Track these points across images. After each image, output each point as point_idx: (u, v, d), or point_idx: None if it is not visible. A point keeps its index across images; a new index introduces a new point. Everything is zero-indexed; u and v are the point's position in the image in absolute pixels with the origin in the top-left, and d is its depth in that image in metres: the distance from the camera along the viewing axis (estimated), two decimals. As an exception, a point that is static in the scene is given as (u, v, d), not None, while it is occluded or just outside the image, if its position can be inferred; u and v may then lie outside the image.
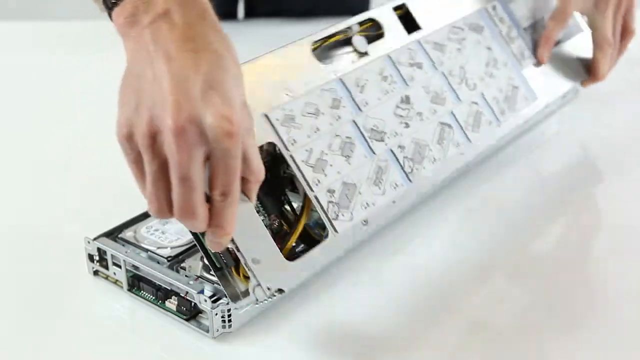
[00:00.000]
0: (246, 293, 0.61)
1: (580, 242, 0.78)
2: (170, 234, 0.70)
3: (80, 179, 0.88)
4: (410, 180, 0.72)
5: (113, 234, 0.71)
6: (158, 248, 0.68)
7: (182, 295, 0.65)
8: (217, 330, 0.64)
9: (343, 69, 0.72)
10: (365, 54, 0.75)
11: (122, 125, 0.55)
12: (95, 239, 0.70)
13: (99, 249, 0.69)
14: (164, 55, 0.53)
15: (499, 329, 0.66)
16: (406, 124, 0.74)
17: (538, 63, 0.89)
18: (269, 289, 0.60)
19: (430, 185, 0.75)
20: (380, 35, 0.77)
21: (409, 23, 0.80)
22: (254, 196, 0.57)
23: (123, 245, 0.69)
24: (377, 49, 0.76)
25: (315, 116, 0.68)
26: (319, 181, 0.66)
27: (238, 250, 0.59)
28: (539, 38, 0.90)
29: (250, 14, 1.29)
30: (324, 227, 0.66)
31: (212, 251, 0.60)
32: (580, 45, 0.95)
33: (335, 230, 0.66)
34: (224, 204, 0.54)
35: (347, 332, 0.65)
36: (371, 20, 0.78)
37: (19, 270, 0.73)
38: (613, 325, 0.66)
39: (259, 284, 0.60)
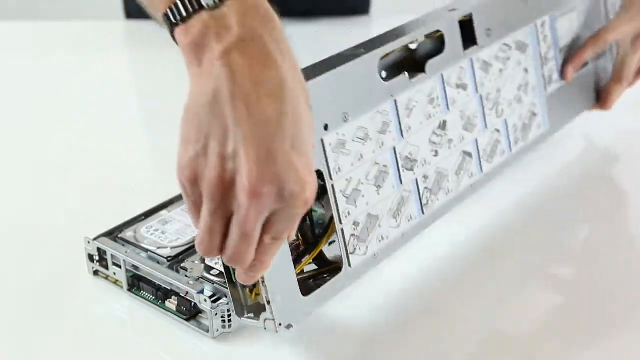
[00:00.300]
0: (251, 308, 0.61)
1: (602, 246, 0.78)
2: (170, 234, 0.70)
3: (80, 179, 0.88)
4: (423, 213, 0.70)
5: (113, 234, 0.71)
6: (158, 248, 0.68)
7: (182, 295, 0.65)
8: (217, 330, 0.64)
9: (399, 88, 0.67)
10: (423, 71, 0.69)
11: (186, 166, 0.50)
12: (95, 239, 0.70)
13: (99, 249, 0.69)
14: (242, 99, 0.48)
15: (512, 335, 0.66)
16: (436, 152, 0.71)
17: (562, 79, 0.86)
18: (280, 324, 0.59)
19: (438, 217, 0.72)
20: (440, 50, 0.71)
21: (468, 37, 0.74)
22: (293, 235, 0.54)
23: (123, 245, 0.69)
24: (434, 66, 0.70)
25: (363, 142, 0.64)
26: (349, 213, 0.63)
27: (263, 284, 0.58)
28: (570, 55, 0.87)
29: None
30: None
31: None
32: (601, 69, 0.92)
33: (349, 265, 0.64)
34: (272, 245, 0.52)
35: (347, 332, 0.65)
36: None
37: (19, 270, 0.73)
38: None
39: (272, 319, 0.59)
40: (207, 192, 0.49)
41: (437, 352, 0.64)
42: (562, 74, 0.86)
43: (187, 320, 0.65)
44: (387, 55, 0.67)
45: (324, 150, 0.61)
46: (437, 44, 0.71)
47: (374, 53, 0.65)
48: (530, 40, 0.81)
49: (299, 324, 0.60)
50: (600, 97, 0.92)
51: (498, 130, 0.77)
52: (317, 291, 0.62)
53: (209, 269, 0.65)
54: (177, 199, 0.75)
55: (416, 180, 0.69)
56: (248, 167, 0.47)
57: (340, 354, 0.63)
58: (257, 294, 0.60)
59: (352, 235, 0.64)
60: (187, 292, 0.64)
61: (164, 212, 0.73)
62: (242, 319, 0.61)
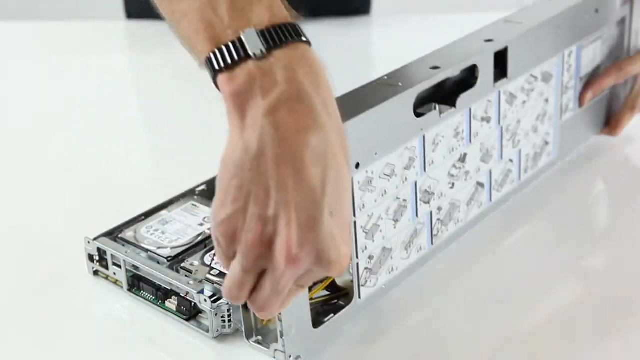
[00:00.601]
0: (260, 331, 0.61)
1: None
2: (170, 234, 0.70)
3: (80, 179, 0.88)
4: (432, 243, 0.69)
5: (113, 234, 0.71)
6: (158, 248, 0.68)
7: (182, 295, 0.65)
8: (217, 330, 0.64)
9: (429, 123, 0.65)
10: (453, 104, 0.67)
11: (223, 222, 0.48)
12: (95, 239, 0.70)
13: (99, 249, 0.69)
14: (288, 164, 0.46)
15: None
16: (453, 184, 0.69)
17: (579, 105, 0.85)
18: (290, 356, 0.59)
19: (445, 247, 0.71)
20: (472, 82, 0.69)
21: (500, 68, 0.72)
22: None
23: (123, 245, 0.69)
24: (465, 100, 0.68)
25: (389, 178, 0.62)
26: (366, 247, 0.62)
27: (279, 317, 0.57)
28: (590, 82, 0.85)
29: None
30: None
31: None
32: (613, 96, 0.91)
33: (359, 297, 0.63)
34: (296, 291, 0.51)
35: (346, 332, 0.65)
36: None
37: (19, 270, 0.73)
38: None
39: (283, 352, 0.58)
40: (244, 251, 0.48)
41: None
42: (580, 99, 0.85)
43: (187, 320, 0.65)
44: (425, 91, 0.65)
45: (352, 188, 0.59)
46: (468, 74, 0.69)
47: (411, 91, 0.62)
48: (555, 71, 0.79)
49: (308, 357, 0.60)
50: (610, 123, 0.91)
51: (511, 160, 0.77)
52: (327, 323, 0.62)
53: (209, 269, 0.65)
54: (177, 199, 0.75)
55: (431, 212, 0.68)
56: (288, 232, 0.46)
57: (339, 354, 0.63)
58: (269, 320, 0.60)
59: (366, 268, 0.63)
60: (187, 292, 0.64)
61: (164, 212, 0.73)
62: (250, 342, 0.61)
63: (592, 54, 0.85)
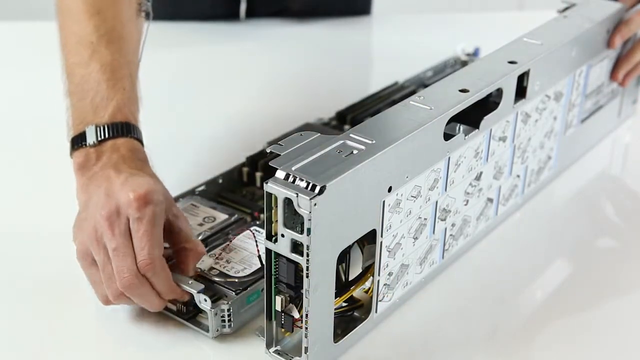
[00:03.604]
0: (279, 342, 0.61)
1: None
2: (171, 234, 0.70)
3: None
4: (443, 257, 0.70)
5: (113, 234, 0.70)
6: (158, 248, 0.68)
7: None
8: (217, 330, 0.64)
9: (455, 145, 0.66)
10: (476, 125, 0.68)
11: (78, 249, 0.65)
12: (95, 239, 0.70)
13: (99, 249, 0.69)
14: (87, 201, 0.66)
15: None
16: (467, 201, 0.70)
17: (621, 85, 0.87)
18: None
19: (454, 261, 0.72)
20: (493, 104, 0.70)
21: (520, 90, 0.72)
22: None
23: (123, 245, 0.69)
24: (487, 121, 0.68)
25: (415, 199, 0.63)
26: (387, 265, 0.63)
27: (306, 331, 0.58)
28: (619, 63, 0.87)
29: (252, 14, 1.29)
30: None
31: (280, 309, 0.59)
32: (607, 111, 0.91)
33: (376, 311, 0.64)
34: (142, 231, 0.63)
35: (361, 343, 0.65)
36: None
37: (19, 270, 0.73)
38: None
39: None
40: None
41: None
42: (620, 81, 0.88)
43: (187, 320, 0.65)
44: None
45: (383, 211, 0.60)
46: (488, 95, 0.69)
47: (443, 117, 0.63)
48: (566, 90, 0.80)
49: None
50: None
51: (518, 176, 0.77)
52: (346, 337, 0.62)
53: (209, 269, 0.66)
54: (177, 199, 0.75)
55: (445, 228, 0.68)
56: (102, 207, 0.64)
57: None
58: (288, 332, 0.61)
59: (385, 284, 0.64)
60: (187, 292, 0.64)
61: (164, 212, 0.73)
62: (270, 352, 0.61)
63: (599, 71, 0.86)
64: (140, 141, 0.70)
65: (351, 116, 0.90)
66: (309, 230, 0.54)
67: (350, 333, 0.62)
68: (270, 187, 0.55)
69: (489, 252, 0.75)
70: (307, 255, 0.55)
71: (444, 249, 0.69)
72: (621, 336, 0.66)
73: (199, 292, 0.63)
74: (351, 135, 0.59)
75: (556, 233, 0.79)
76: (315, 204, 0.53)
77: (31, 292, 0.70)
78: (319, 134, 0.60)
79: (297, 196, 0.54)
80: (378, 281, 0.63)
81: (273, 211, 0.56)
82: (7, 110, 1.05)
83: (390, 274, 0.63)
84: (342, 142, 0.59)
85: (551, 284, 0.72)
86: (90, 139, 0.68)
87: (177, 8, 1.24)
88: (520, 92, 0.72)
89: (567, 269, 0.74)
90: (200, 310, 0.64)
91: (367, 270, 0.62)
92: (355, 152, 0.58)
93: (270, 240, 0.57)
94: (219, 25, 1.25)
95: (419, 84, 0.99)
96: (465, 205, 0.70)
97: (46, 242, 0.76)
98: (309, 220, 0.54)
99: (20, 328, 0.66)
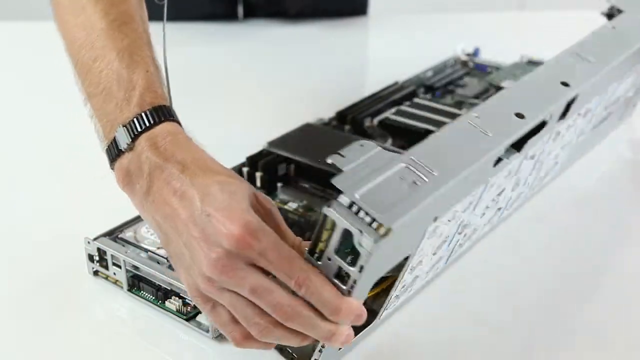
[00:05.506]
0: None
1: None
2: (170, 234, 0.70)
3: (81, 179, 0.88)
4: (446, 262, 0.69)
5: (113, 234, 0.71)
6: (158, 248, 0.68)
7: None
8: (217, 330, 0.64)
9: (497, 170, 0.63)
10: (519, 150, 0.64)
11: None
12: (95, 239, 0.70)
13: (99, 249, 0.69)
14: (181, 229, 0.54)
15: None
16: (484, 214, 0.68)
17: None
18: None
19: (452, 263, 0.71)
20: (541, 127, 0.65)
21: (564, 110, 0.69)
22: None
23: (123, 245, 0.69)
24: (530, 144, 0.64)
25: (449, 222, 0.61)
26: (403, 279, 0.61)
27: (320, 351, 0.57)
28: None
29: (250, 14, 1.30)
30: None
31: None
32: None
33: (380, 317, 0.63)
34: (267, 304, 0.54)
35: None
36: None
37: (19, 270, 0.73)
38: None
39: None
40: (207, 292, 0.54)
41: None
42: None
43: (187, 320, 0.65)
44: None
45: (423, 237, 0.58)
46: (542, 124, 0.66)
47: (501, 147, 0.60)
48: (594, 106, 0.77)
49: None
50: None
51: (528, 183, 0.76)
52: (353, 341, 0.59)
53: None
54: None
55: (458, 240, 0.67)
56: (198, 251, 0.53)
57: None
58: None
59: (396, 295, 0.62)
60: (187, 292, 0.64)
61: (164, 212, 0.73)
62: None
63: (625, 87, 0.85)
64: (177, 121, 0.60)
65: (351, 116, 0.90)
66: (362, 267, 0.51)
67: (356, 337, 0.60)
68: (332, 213, 0.51)
69: (489, 251, 0.75)
70: (352, 287, 0.53)
71: (450, 255, 0.68)
72: (624, 336, 0.66)
73: (199, 292, 0.63)
74: (412, 158, 0.55)
75: (556, 233, 0.79)
76: (377, 246, 0.50)
77: (31, 291, 0.70)
78: (380, 148, 0.56)
79: (360, 233, 0.50)
80: (394, 295, 0.62)
81: (326, 232, 0.52)
82: (7, 110, 1.05)
83: (404, 286, 0.63)
84: (404, 166, 0.54)
85: (550, 284, 0.72)
86: (123, 142, 0.58)
87: (175, 8, 1.24)
88: (565, 113, 0.69)
89: (566, 269, 0.74)
90: (200, 310, 0.64)
91: (381, 282, 0.60)
92: (418, 183, 0.54)
93: (313, 257, 0.54)
94: (217, 26, 1.25)
95: (419, 84, 0.99)
96: (481, 218, 0.68)
97: (46, 242, 0.76)
98: (366, 259, 0.51)
99: (19, 328, 0.66)
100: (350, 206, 0.50)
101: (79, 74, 0.63)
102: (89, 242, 0.70)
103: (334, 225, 0.51)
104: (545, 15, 1.40)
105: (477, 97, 0.96)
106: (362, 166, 0.53)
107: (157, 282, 0.66)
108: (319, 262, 0.53)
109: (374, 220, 0.50)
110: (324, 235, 0.52)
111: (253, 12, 1.29)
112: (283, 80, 1.11)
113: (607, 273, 0.74)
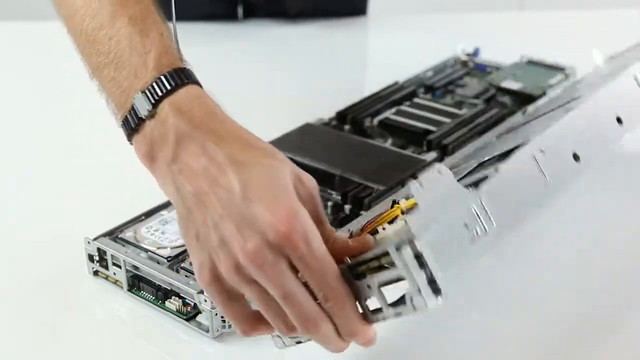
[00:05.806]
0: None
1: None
2: (170, 234, 0.70)
3: (80, 179, 0.88)
4: None
5: (113, 234, 0.71)
6: (158, 248, 0.68)
7: (183, 295, 0.65)
8: (217, 330, 0.64)
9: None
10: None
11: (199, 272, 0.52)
12: (95, 239, 0.70)
13: (99, 249, 0.69)
14: (201, 193, 0.51)
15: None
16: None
17: None
18: None
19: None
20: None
21: None
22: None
23: (123, 245, 0.69)
24: None
25: None
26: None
27: None
28: None
29: (250, 14, 1.30)
30: None
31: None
32: None
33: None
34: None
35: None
36: None
37: (19, 270, 0.73)
38: None
39: None
40: (233, 279, 0.50)
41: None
42: None
43: (187, 320, 0.65)
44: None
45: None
46: None
47: (552, 196, 0.57)
48: None
49: None
50: None
51: None
52: None
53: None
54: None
55: None
56: (233, 235, 0.49)
57: (339, 354, 0.63)
58: None
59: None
60: (187, 292, 0.64)
61: (164, 212, 0.73)
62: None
63: None
64: (199, 84, 0.57)
65: (351, 116, 0.90)
66: (400, 314, 0.50)
67: None
68: (398, 257, 0.48)
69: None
70: (378, 321, 0.52)
71: None
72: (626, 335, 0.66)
73: (199, 293, 0.63)
74: (480, 199, 0.52)
75: (555, 232, 0.79)
76: (428, 309, 0.48)
77: (31, 291, 0.70)
78: (452, 176, 0.53)
79: (418, 292, 0.48)
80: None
81: (377, 261, 0.51)
82: (7, 110, 1.05)
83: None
84: (471, 210, 0.52)
85: (550, 284, 0.72)
86: (143, 109, 0.54)
87: (175, 8, 1.24)
88: None
89: (566, 268, 0.74)
90: (200, 310, 0.64)
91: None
92: (477, 234, 0.51)
93: (352, 272, 0.52)
94: (217, 26, 1.25)
95: (419, 84, 0.99)
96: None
97: (46, 242, 0.76)
98: (410, 313, 0.49)
99: (19, 328, 0.66)
100: (416, 256, 0.48)
101: (84, 46, 0.59)
102: (89, 242, 0.70)
103: (391, 264, 0.49)
104: (545, 15, 1.40)
105: (477, 97, 0.96)
106: (437, 204, 0.51)
107: (157, 282, 0.66)
108: (356, 281, 0.52)
109: (433, 281, 0.48)
110: (375, 263, 0.51)
111: (253, 12, 1.29)
112: (283, 80, 1.11)
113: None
